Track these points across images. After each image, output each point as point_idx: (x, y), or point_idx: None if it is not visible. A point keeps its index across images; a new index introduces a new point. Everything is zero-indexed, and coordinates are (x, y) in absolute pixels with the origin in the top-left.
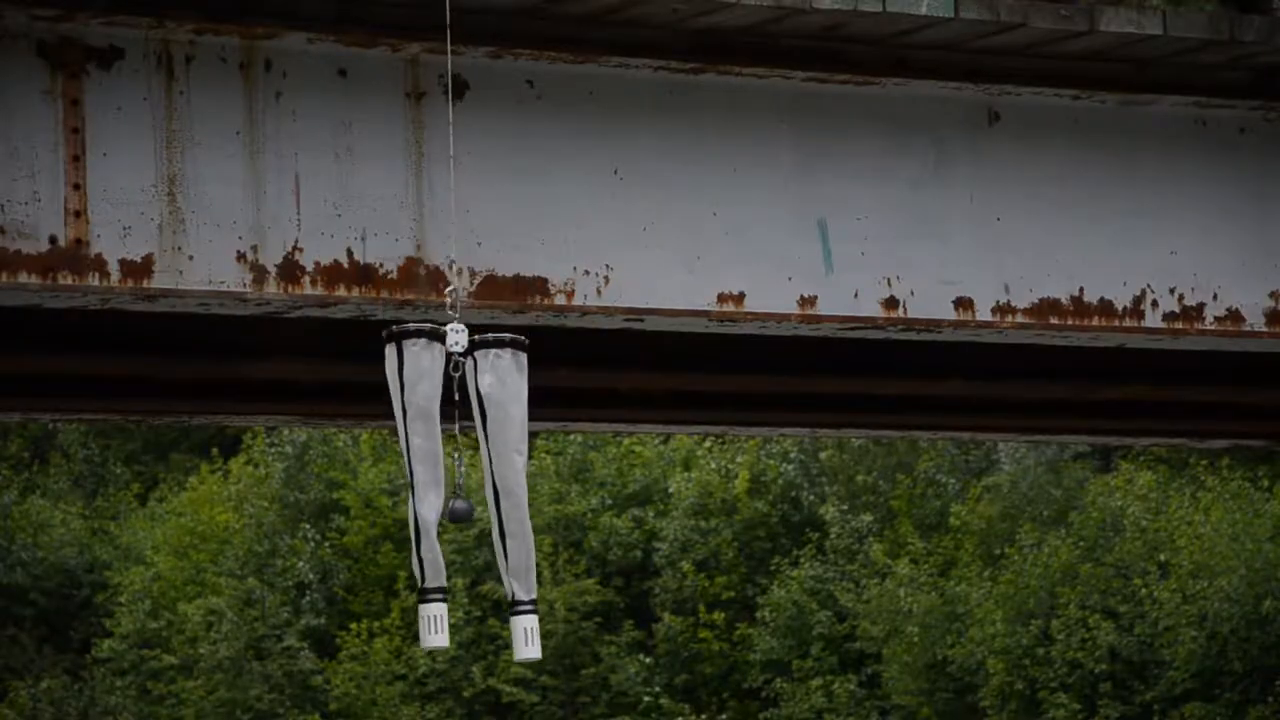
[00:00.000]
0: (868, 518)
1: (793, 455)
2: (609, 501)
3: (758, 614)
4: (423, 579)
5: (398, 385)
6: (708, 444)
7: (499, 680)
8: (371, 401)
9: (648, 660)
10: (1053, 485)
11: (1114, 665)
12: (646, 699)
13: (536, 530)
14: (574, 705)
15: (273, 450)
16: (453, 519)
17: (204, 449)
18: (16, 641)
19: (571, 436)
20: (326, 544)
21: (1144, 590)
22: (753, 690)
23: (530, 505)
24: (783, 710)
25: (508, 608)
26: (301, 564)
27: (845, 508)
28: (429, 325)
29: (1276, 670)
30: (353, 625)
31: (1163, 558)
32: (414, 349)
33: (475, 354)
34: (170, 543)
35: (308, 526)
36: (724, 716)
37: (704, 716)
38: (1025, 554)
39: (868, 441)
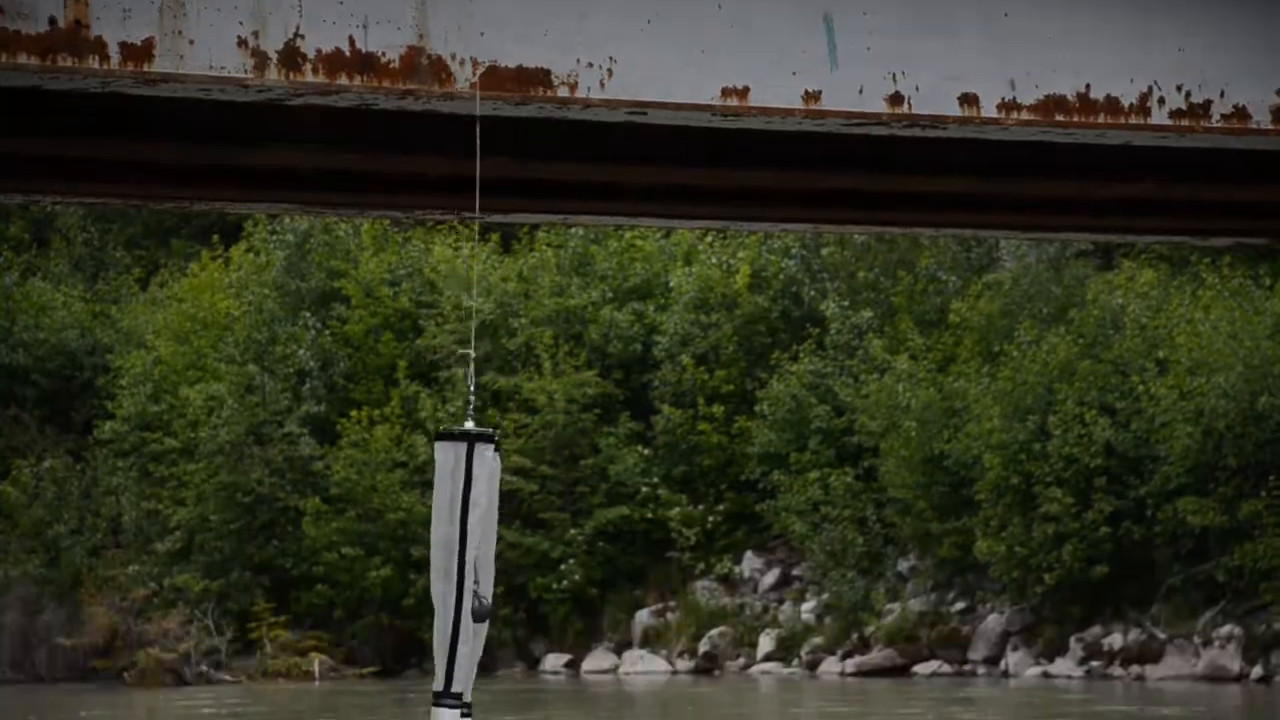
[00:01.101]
0: (868, 313)
1: (794, 251)
2: (609, 295)
3: (756, 408)
4: (449, 681)
5: (462, 483)
6: (709, 239)
7: None
8: (372, 191)
9: (646, 452)
10: (1053, 282)
11: (1109, 460)
12: (644, 489)
13: (538, 322)
14: (572, 495)
15: (274, 238)
16: (478, 618)
17: (204, 235)
18: (19, 421)
19: (572, 230)
20: (327, 332)
21: (1141, 387)
22: (750, 482)
23: (531, 298)
24: (779, 502)
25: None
26: (302, 352)
27: (846, 303)
28: (491, 430)
29: (1270, 465)
30: (353, 413)
31: (1161, 355)
32: (484, 451)
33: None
34: (171, 328)
35: (308, 315)
36: (721, 507)
37: (701, 507)
38: (1024, 350)
39: (869, 238)
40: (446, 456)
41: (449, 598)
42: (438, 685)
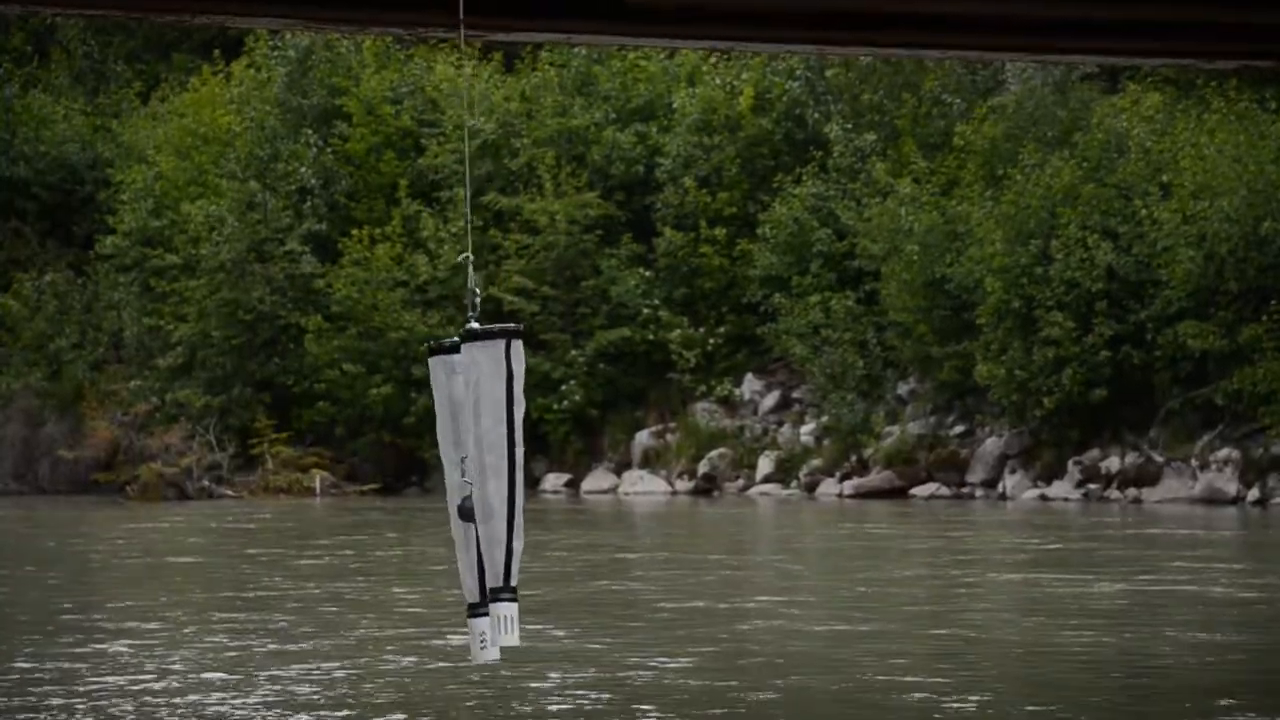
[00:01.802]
0: (871, 137)
1: (798, 73)
2: (612, 115)
3: (758, 230)
4: (508, 575)
5: (505, 380)
6: (713, 60)
7: (500, 289)
8: (372, 7)
9: (647, 274)
10: (1059, 106)
11: (1110, 284)
12: (645, 311)
13: (540, 143)
14: (573, 316)
15: (275, 54)
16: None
17: (205, 50)
18: (20, 235)
19: (575, 50)
20: (329, 150)
21: (1144, 211)
22: (751, 305)
23: (534, 118)
24: (780, 325)
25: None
26: (303, 169)
27: (849, 126)
28: (520, 326)
29: (1272, 290)
30: (354, 231)
31: (1165, 179)
32: (518, 346)
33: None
34: (172, 143)
35: (310, 132)
36: (722, 330)
37: (702, 330)
38: (1028, 174)
39: (874, 60)
40: (481, 356)
41: (502, 493)
42: (495, 582)
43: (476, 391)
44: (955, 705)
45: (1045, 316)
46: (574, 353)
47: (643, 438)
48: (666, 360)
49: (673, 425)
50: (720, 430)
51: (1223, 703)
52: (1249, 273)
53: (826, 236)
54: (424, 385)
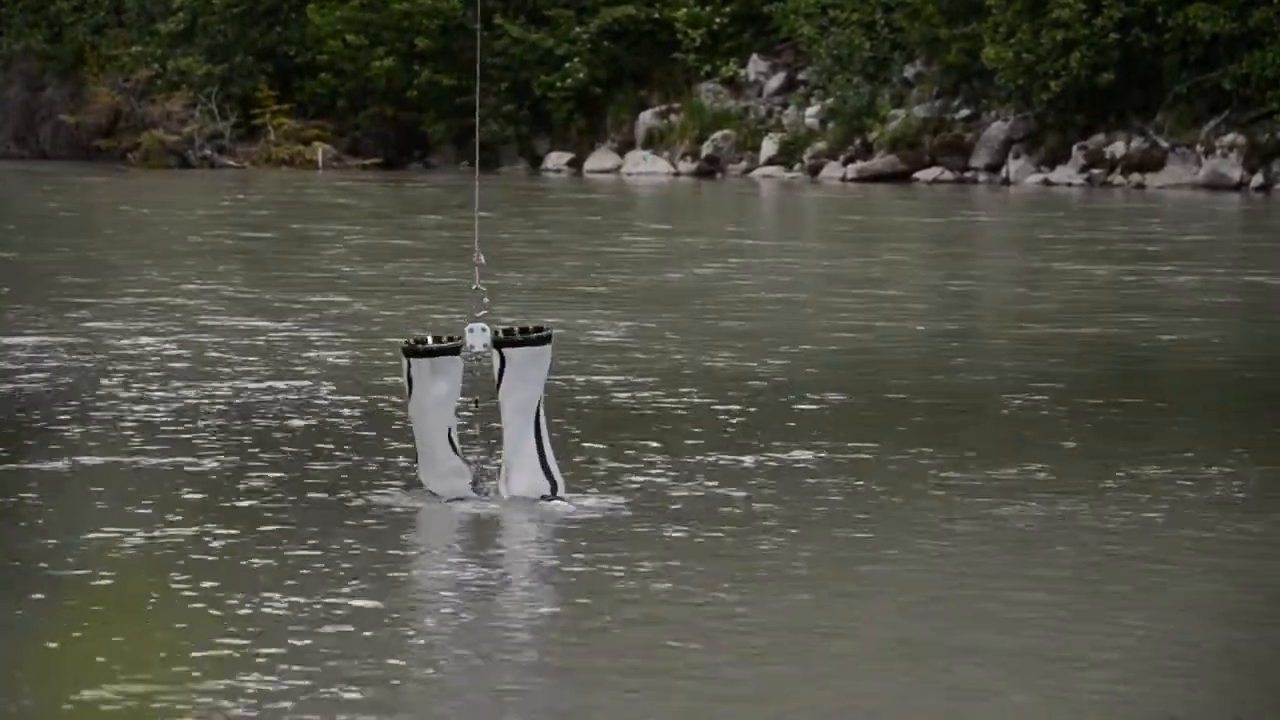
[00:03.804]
0: None
1: None
2: None
3: None
4: (554, 483)
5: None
6: None
7: None
8: None
9: None
10: None
11: None
12: None
13: None
14: None
15: None
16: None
17: None
18: None
19: None
20: None
21: None
22: None
23: None
24: (787, 4)
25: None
26: None
27: None
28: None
29: None
30: None
31: None
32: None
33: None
34: None
35: None
36: (728, 9)
37: (709, 8)
38: None
39: None
40: (525, 353)
41: (532, 432)
42: (546, 491)
43: (526, 379)
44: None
45: None
46: (578, 29)
47: (646, 118)
48: (672, 39)
49: (676, 106)
50: (724, 111)
51: None
52: None
53: None
54: (427, 58)
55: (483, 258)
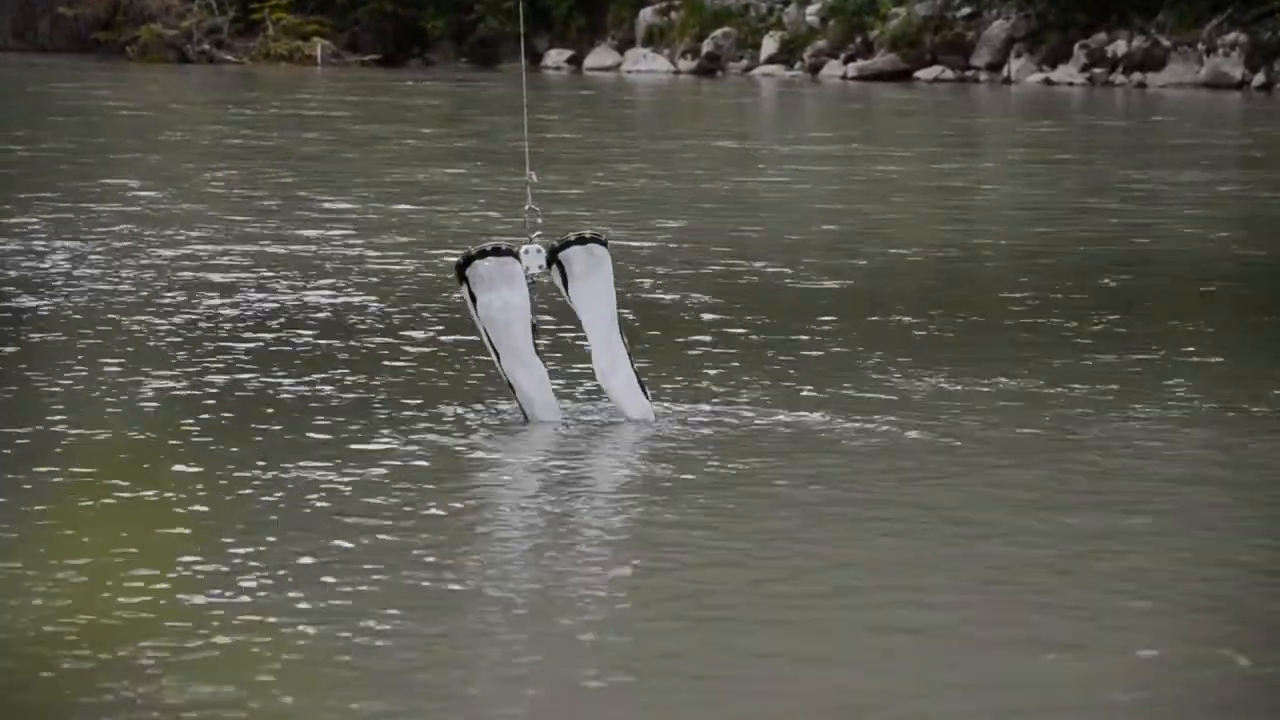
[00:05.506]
0: None
1: None
2: None
3: None
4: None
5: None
6: None
7: None
8: None
9: None
10: None
11: None
12: None
13: None
14: None
15: None
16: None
17: None
18: None
19: None
20: None
21: None
22: None
23: None
24: None
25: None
26: None
27: None
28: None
29: None
30: None
31: None
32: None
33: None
34: None
35: None
36: None
37: None
38: None
39: None
40: (583, 257)
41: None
42: (650, 416)
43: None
44: None
45: None
46: None
47: (646, 15)
48: None
49: (677, 3)
50: (725, 9)
51: None
52: None
53: None
54: None
55: (534, 176)
